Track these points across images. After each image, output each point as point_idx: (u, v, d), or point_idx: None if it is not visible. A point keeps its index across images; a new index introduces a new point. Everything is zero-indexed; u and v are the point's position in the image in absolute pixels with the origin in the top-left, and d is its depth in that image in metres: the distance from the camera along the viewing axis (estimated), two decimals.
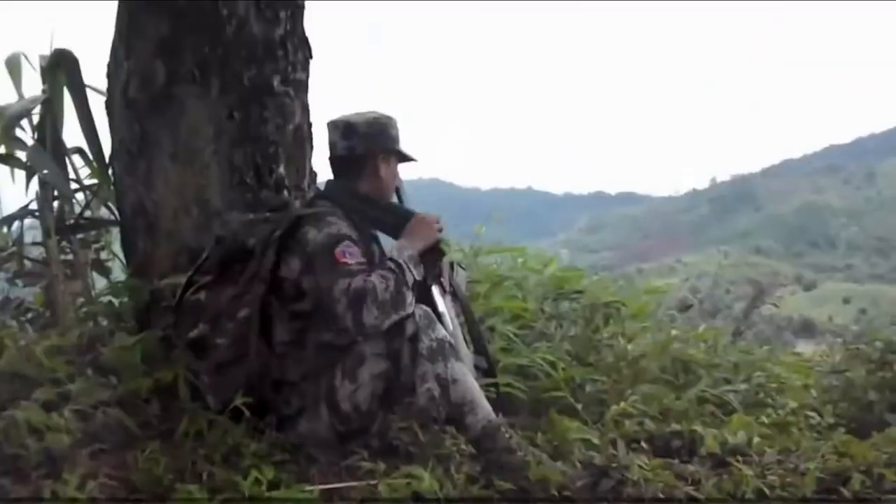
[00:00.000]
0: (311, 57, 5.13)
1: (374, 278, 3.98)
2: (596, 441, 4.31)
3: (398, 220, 4.44)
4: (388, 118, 4.55)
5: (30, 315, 5.26)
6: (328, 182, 4.55)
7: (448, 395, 3.91)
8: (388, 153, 4.50)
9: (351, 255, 4.07)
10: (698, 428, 4.68)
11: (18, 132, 5.27)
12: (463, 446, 4.14)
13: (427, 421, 4.13)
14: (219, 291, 4.23)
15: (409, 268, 4.13)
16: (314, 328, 4.17)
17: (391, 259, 4.14)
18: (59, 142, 5.30)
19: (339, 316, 3.93)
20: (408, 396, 4.10)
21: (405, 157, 4.60)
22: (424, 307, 4.09)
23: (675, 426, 4.74)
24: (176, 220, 4.78)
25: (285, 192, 4.94)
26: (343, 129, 4.48)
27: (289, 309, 4.21)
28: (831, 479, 4.16)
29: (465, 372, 4.00)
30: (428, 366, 3.94)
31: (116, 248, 5.38)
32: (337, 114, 4.52)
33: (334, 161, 4.51)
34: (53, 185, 5.19)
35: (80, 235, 5.45)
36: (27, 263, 5.37)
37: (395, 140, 4.54)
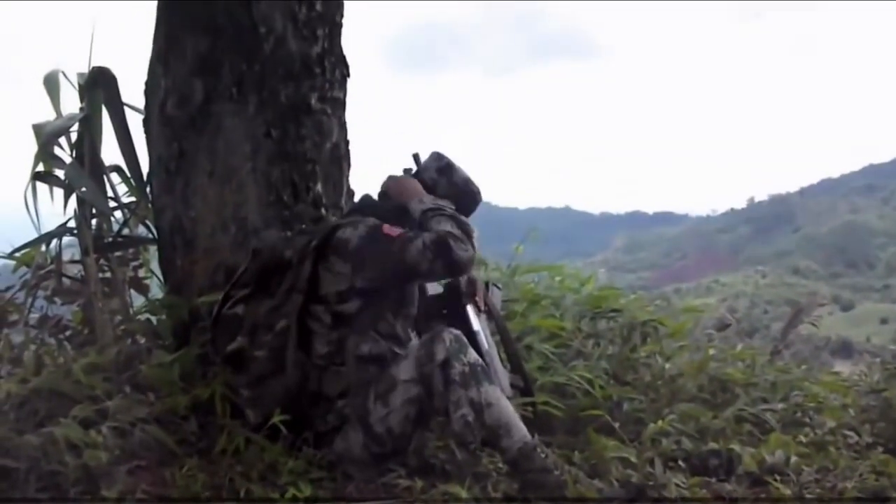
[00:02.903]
0: (348, 75, 5.13)
1: (437, 225, 4.15)
2: (633, 460, 4.29)
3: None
4: (479, 192, 4.69)
5: (68, 332, 5.26)
6: (363, 196, 4.58)
7: (483, 420, 3.87)
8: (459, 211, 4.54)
9: (395, 228, 4.17)
10: (736, 447, 4.65)
11: (57, 150, 5.28)
12: (500, 465, 4.13)
13: (463, 446, 4.14)
14: (257, 304, 4.26)
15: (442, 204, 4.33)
16: (354, 334, 4.20)
17: (427, 209, 4.28)
18: (97, 159, 5.31)
19: (428, 271, 4.11)
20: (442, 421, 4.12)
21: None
22: (455, 331, 4.07)
23: (713, 445, 4.71)
24: (213, 238, 4.79)
25: (322, 210, 4.94)
26: (445, 167, 4.62)
27: (332, 311, 4.22)
28: (869, 498, 4.13)
29: (499, 395, 3.97)
30: (461, 392, 3.90)
31: (154, 265, 5.39)
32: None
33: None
34: (91, 203, 5.20)
35: (118, 253, 5.46)
36: (65, 281, 5.37)
37: (469, 212, 4.60)
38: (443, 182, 4.55)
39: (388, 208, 4.44)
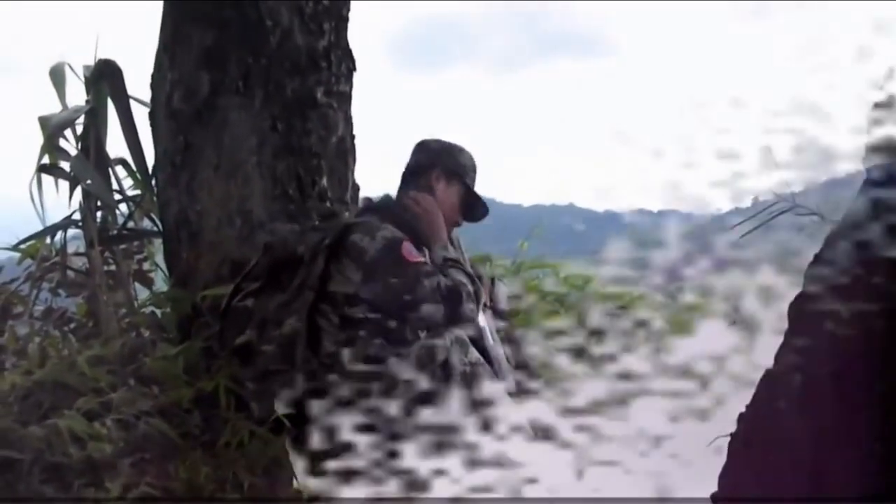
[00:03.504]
0: (354, 69, 5.12)
1: (457, 276, 4.13)
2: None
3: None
4: (463, 148, 4.60)
5: (72, 325, 5.25)
6: (384, 196, 4.56)
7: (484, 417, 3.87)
8: (449, 174, 4.51)
9: (416, 253, 4.15)
10: None
11: (62, 142, 5.27)
12: None
13: None
14: (267, 298, 4.23)
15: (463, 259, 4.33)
16: (365, 337, 4.19)
17: (448, 259, 4.24)
18: (102, 152, 5.29)
19: (431, 314, 4.03)
20: None
21: (469, 190, 4.59)
22: (456, 331, 4.07)
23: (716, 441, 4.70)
24: (218, 231, 4.78)
25: (328, 205, 4.93)
26: (417, 147, 4.60)
27: (340, 313, 4.20)
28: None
29: (500, 394, 3.98)
30: (462, 390, 3.90)
31: (159, 258, 5.38)
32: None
33: (403, 175, 4.60)
34: (97, 196, 5.19)
35: (122, 246, 5.45)
36: (70, 274, 5.37)
37: (463, 168, 4.55)
38: (421, 156, 4.55)
39: (409, 223, 4.41)
